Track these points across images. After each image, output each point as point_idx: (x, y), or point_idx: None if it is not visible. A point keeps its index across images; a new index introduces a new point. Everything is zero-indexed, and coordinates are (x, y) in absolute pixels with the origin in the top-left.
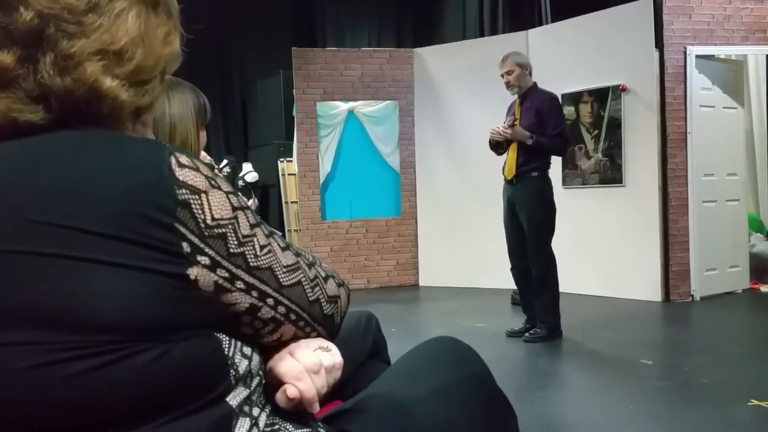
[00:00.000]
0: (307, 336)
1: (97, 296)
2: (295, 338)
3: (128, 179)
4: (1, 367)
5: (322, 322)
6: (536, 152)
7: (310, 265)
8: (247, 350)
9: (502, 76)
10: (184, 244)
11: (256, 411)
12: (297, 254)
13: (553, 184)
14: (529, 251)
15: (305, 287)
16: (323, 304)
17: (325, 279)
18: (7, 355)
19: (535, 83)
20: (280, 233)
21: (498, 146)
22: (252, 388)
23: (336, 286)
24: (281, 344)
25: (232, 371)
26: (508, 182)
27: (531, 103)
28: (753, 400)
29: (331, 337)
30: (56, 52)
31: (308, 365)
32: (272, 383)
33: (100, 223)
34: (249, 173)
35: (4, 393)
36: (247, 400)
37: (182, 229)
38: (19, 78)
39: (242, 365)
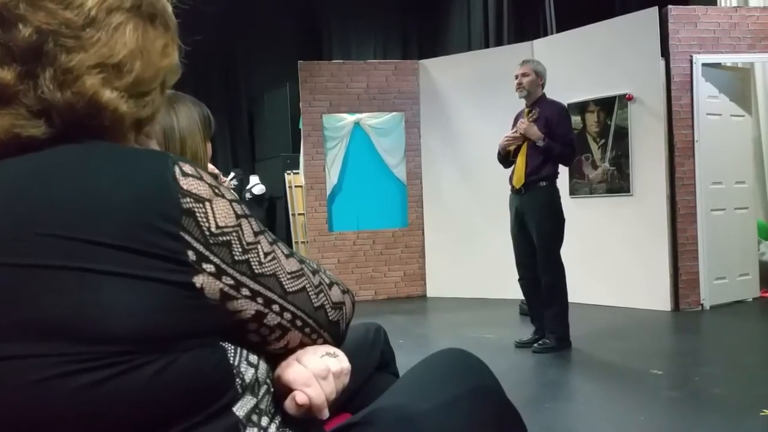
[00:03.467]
0: (314, 343)
1: (104, 307)
2: (302, 345)
3: (133, 190)
4: (10, 380)
5: (327, 329)
6: (545, 160)
7: (314, 272)
8: (253, 358)
9: (517, 76)
10: (190, 253)
11: (264, 421)
12: (301, 261)
13: (561, 193)
14: (539, 262)
15: (310, 293)
16: (328, 310)
17: (330, 286)
18: (15, 368)
19: (544, 94)
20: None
21: (506, 157)
22: (259, 396)
23: (340, 293)
24: (288, 351)
25: (238, 380)
26: (517, 192)
27: (541, 112)
28: (765, 411)
29: (336, 343)
30: (55, 66)
31: (316, 371)
32: (281, 391)
33: (106, 233)
34: (256, 186)
35: (13, 406)
36: (255, 410)
37: (187, 238)
38: (19, 94)
39: (248, 373)
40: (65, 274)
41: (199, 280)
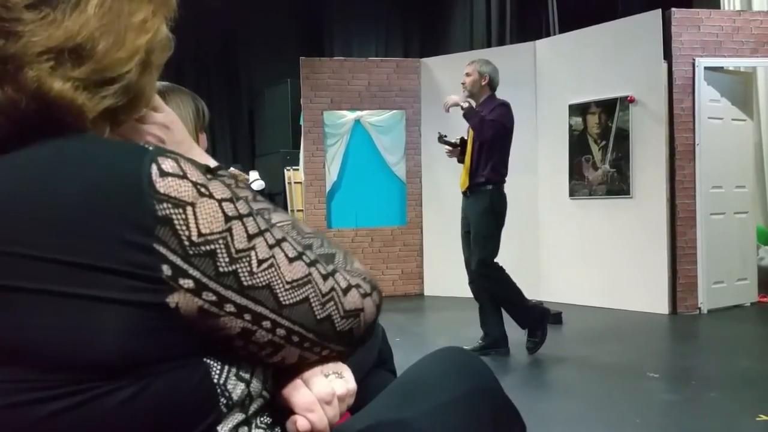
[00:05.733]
0: (317, 356)
1: (67, 332)
2: (302, 359)
3: (101, 199)
4: None
5: (335, 340)
6: (487, 161)
7: (327, 276)
8: (245, 373)
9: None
10: (165, 267)
11: None
12: (311, 263)
13: (561, 194)
14: (472, 267)
15: (313, 304)
16: (336, 321)
17: (345, 290)
18: None
19: (492, 95)
20: (311, 231)
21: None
22: (250, 411)
23: (359, 298)
24: (292, 366)
25: (222, 399)
26: (463, 194)
27: (485, 113)
28: (761, 416)
29: (350, 350)
30: None
31: (321, 395)
32: (284, 410)
33: (71, 251)
34: (255, 181)
35: None
36: (245, 423)
37: (162, 250)
38: None
39: (237, 390)
40: (27, 296)
41: (174, 298)
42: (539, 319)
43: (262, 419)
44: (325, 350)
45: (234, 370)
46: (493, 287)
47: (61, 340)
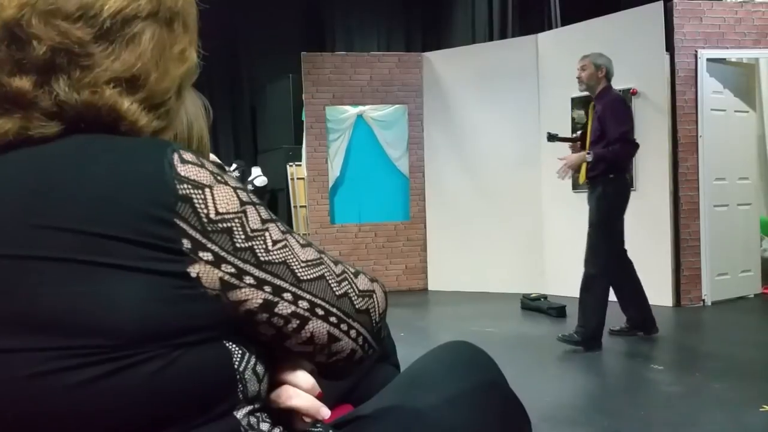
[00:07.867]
0: (346, 335)
1: (97, 300)
2: (332, 339)
3: (127, 177)
4: (2, 374)
5: (356, 318)
6: (603, 157)
7: (336, 263)
8: (261, 369)
9: (578, 70)
10: (185, 241)
11: (265, 426)
12: (321, 252)
13: (564, 187)
14: (585, 251)
15: (330, 281)
16: (353, 298)
17: (355, 275)
18: (8, 362)
19: (608, 86)
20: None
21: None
22: (256, 406)
23: (368, 281)
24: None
25: (240, 386)
26: (586, 187)
27: (599, 106)
28: (765, 407)
29: (373, 336)
30: (71, 78)
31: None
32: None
33: (99, 223)
34: (258, 177)
35: (4, 401)
36: (253, 413)
37: (182, 225)
38: (37, 99)
39: (252, 384)
40: (57, 265)
41: (195, 269)
42: (594, 335)
43: (265, 415)
44: (352, 330)
45: (252, 362)
46: (593, 276)
47: (85, 307)
